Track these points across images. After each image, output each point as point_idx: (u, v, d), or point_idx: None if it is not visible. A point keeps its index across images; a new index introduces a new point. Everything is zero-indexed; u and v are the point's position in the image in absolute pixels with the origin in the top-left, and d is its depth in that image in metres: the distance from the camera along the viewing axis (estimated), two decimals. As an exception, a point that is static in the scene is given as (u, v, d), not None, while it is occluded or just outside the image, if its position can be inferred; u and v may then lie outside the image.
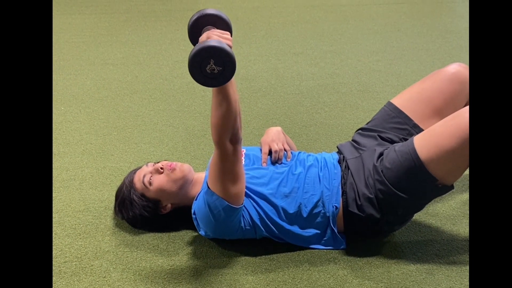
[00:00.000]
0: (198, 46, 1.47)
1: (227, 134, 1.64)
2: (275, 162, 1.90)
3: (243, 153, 1.95)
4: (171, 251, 1.85)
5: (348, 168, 1.84)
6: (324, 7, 4.34)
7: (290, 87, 3.04)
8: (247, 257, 1.81)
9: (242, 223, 1.77)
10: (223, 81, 1.52)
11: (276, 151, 1.90)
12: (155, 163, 1.92)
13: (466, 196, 2.07)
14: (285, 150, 1.94)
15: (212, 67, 1.47)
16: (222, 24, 1.67)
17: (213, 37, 1.55)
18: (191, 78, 1.51)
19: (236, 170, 1.70)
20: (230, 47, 1.53)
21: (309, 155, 1.95)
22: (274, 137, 1.96)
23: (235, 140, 1.66)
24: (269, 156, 1.92)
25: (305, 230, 1.81)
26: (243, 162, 1.89)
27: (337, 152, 1.96)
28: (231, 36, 1.63)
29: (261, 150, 1.95)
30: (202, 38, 1.57)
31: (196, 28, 1.67)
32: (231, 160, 1.67)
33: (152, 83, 3.12)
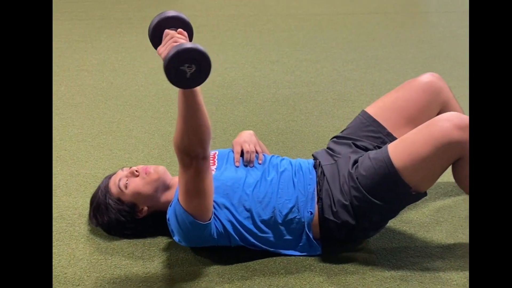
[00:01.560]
0: (176, 48, 1.44)
1: (189, 149, 1.59)
2: (247, 162, 1.90)
3: (215, 155, 1.95)
4: (146, 259, 1.84)
5: (324, 174, 1.85)
6: (299, 16, 4.37)
7: (266, 94, 3.05)
8: (223, 265, 1.81)
9: (215, 233, 1.76)
10: (195, 84, 1.48)
11: (247, 152, 1.91)
12: (130, 167, 1.91)
13: (439, 203, 2.10)
14: (256, 152, 1.94)
15: (189, 68, 1.44)
16: (181, 25, 1.59)
17: (180, 39, 1.51)
18: (167, 84, 1.49)
19: (200, 186, 1.65)
20: None
21: (283, 159, 1.95)
22: (246, 138, 1.97)
23: (196, 155, 1.59)
24: (241, 157, 1.92)
25: (280, 236, 1.81)
26: (215, 165, 1.89)
27: (313, 159, 1.98)
28: (191, 38, 1.59)
29: (233, 151, 1.95)
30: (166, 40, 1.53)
31: (158, 32, 1.60)
32: (193, 175, 1.62)
33: (128, 90, 3.11)
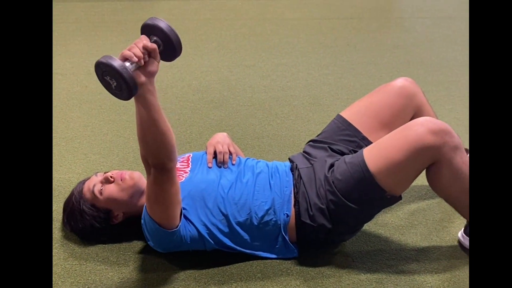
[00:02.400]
0: (103, 58, 1.39)
1: (149, 158, 1.57)
2: (220, 163, 1.90)
3: (189, 157, 1.95)
4: (122, 264, 1.82)
5: (301, 177, 1.85)
6: (275, 21, 4.38)
7: (242, 99, 3.05)
8: (200, 270, 1.80)
9: (188, 238, 1.75)
10: (122, 97, 1.44)
11: (220, 152, 1.90)
12: (104, 172, 1.89)
13: (413, 206, 2.13)
14: (230, 153, 1.94)
15: (112, 81, 1.41)
16: (167, 42, 1.49)
17: (128, 54, 1.42)
18: None
19: (165, 197, 1.63)
20: (138, 75, 1.42)
21: (259, 161, 1.96)
22: (219, 139, 1.97)
23: (160, 167, 1.57)
24: (214, 159, 1.92)
25: (256, 239, 1.81)
26: (189, 167, 1.89)
27: (290, 162, 1.98)
28: (175, 55, 1.51)
29: (206, 152, 1.95)
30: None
31: (148, 29, 1.53)
32: (156, 184, 1.60)
33: (102, 94, 3.07)
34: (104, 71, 1.40)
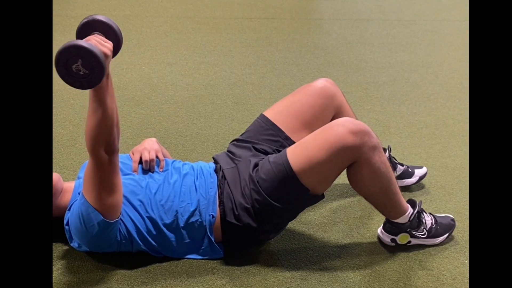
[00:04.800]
0: (69, 42, 1.42)
1: (102, 144, 1.58)
2: (146, 171, 1.87)
3: None
4: (40, 267, 1.75)
5: (225, 178, 1.85)
6: (196, 19, 4.35)
7: (164, 97, 3.01)
8: (122, 270, 1.76)
9: (119, 236, 1.72)
10: (88, 85, 1.48)
11: (146, 161, 1.87)
12: None
13: (335, 204, 2.17)
14: (158, 158, 1.91)
15: (79, 68, 1.42)
16: (111, 33, 1.63)
17: (91, 40, 1.50)
18: (59, 85, 1.47)
19: (112, 181, 1.65)
20: (107, 55, 1.49)
21: (185, 163, 1.94)
22: (147, 146, 1.93)
23: (110, 150, 1.61)
24: (140, 165, 1.89)
25: (182, 240, 1.79)
26: None
27: (214, 162, 1.97)
28: (119, 47, 1.63)
29: (130, 158, 1.91)
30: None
31: (84, 33, 1.60)
32: (106, 170, 1.62)
33: (17, 90, 2.95)
34: (71, 56, 1.40)
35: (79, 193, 1.73)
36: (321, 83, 2.05)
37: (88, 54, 1.42)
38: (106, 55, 1.49)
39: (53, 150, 2.41)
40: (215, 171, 1.91)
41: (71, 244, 1.77)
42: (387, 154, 2.19)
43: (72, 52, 1.41)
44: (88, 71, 1.44)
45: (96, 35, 1.57)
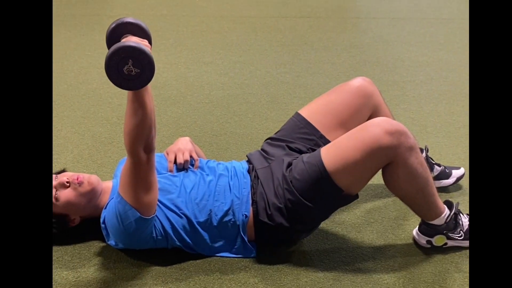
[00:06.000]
0: (117, 44, 1.43)
1: (141, 143, 1.60)
2: (181, 170, 1.89)
3: None
4: (77, 263, 1.79)
5: (258, 178, 1.86)
6: (232, 18, 4.37)
7: (200, 96, 3.03)
8: (156, 267, 1.78)
9: (154, 233, 1.74)
10: (140, 84, 1.49)
11: (180, 163, 1.89)
12: (56, 173, 1.83)
13: (369, 205, 2.15)
14: (193, 158, 1.93)
15: (130, 68, 1.44)
16: (140, 32, 1.64)
17: (133, 39, 1.53)
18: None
19: (149, 179, 1.67)
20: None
21: (219, 163, 1.95)
22: (181, 146, 1.95)
23: (148, 149, 1.63)
24: (175, 165, 1.91)
25: (216, 239, 1.81)
26: None
27: (247, 161, 1.98)
28: (151, 45, 1.63)
29: (165, 158, 1.93)
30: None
31: (115, 36, 1.63)
32: (144, 169, 1.64)
33: (56, 89, 3.01)
34: (121, 58, 1.42)
35: (117, 192, 1.76)
36: (358, 82, 2.03)
37: (137, 53, 1.43)
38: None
39: (91, 148, 2.46)
40: (248, 171, 1.91)
41: (108, 242, 1.80)
42: (424, 154, 2.16)
43: (121, 54, 1.42)
44: (139, 70, 1.45)
45: (129, 36, 1.59)
